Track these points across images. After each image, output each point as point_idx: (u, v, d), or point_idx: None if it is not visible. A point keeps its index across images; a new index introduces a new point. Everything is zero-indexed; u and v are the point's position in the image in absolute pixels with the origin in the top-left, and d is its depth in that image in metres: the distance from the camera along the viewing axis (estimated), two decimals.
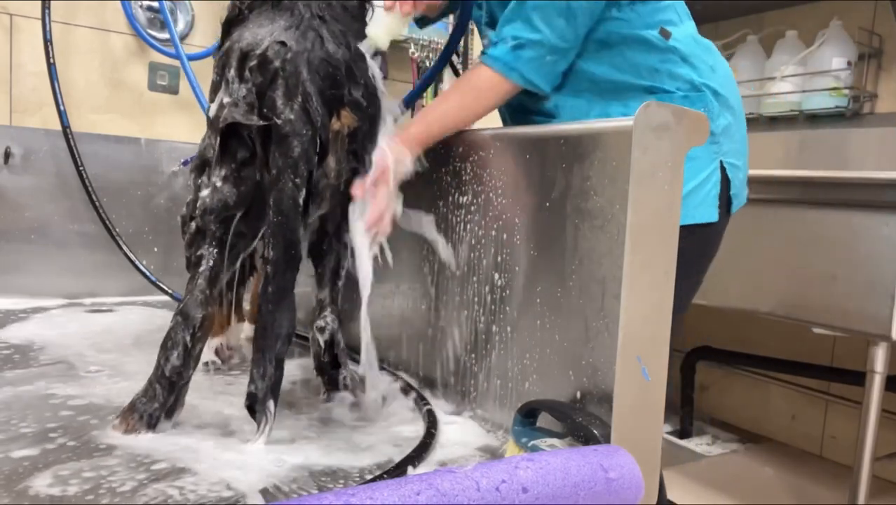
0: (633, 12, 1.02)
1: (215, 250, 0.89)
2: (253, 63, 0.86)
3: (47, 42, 1.54)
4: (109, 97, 1.71)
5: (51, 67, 1.55)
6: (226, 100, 0.88)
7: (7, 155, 1.52)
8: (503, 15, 1.03)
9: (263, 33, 0.88)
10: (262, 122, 0.86)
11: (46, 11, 1.53)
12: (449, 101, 1.03)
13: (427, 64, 2.17)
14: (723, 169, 1.02)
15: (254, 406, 0.82)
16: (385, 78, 1.12)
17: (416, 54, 2.13)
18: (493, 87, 1.02)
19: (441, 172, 1.01)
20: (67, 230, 1.59)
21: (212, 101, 0.92)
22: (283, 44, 0.86)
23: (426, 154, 0.98)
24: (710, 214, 1.01)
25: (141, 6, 1.71)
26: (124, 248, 1.57)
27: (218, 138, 0.87)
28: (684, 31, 1.07)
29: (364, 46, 0.94)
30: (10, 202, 1.54)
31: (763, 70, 2.08)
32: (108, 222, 1.58)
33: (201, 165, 0.94)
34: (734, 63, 2.15)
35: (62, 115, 1.55)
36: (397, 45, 2.04)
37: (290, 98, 0.85)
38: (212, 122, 0.90)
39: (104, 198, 1.59)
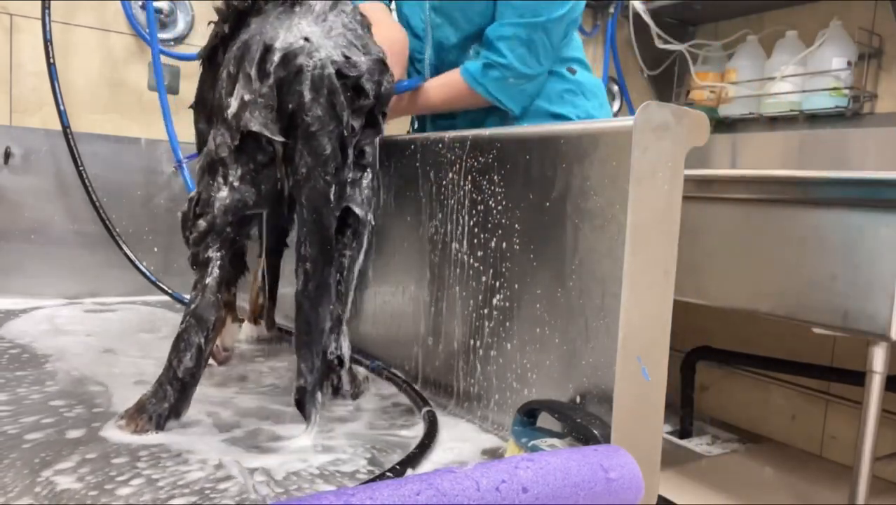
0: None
1: (225, 252, 0.89)
2: (277, 56, 0.85)
3: (47, 42, 1.54)
4: (109, 97, 1.71)
5: (51, 67, 1.54)
6: (246, 97, 0.87)
7: (7, 155, 1.52)
8: (485, 37, 1.23)
9: (288, 27, 0.87)
10: (282, 139, 0.85)
11: (46, 11, 1.53)
12: (432, 93, 1.29)
13: None
14: None
15: (303, 400, 0.83)
16: None
17: None
18: (464, 95, 1.25)
19: (440, 176, 1.01)
20: (67, 230, 1.59)
21: (229, 94, 0.89)
22: (308, 39, 0.85)
23: (428, 164, 0.98)
24: None
25: (141, 6, 1.71)
26: (124, 248, 1.57)
27: (237, 140, 0.87)
28: (585, 72, 1.36)
29: None
30: (10, 202, 1.53)
31: (763, 70, 2.08)
32: (108, 222, 1.57)
33: (212, 164, 0.90)
34: (734, 63, 2.15)
35: (62, 115, 1.55)
36: None
37: (317, 92, 0.84)
38: (228, 121, 0.88)
39: (104, 198, 1.59)
